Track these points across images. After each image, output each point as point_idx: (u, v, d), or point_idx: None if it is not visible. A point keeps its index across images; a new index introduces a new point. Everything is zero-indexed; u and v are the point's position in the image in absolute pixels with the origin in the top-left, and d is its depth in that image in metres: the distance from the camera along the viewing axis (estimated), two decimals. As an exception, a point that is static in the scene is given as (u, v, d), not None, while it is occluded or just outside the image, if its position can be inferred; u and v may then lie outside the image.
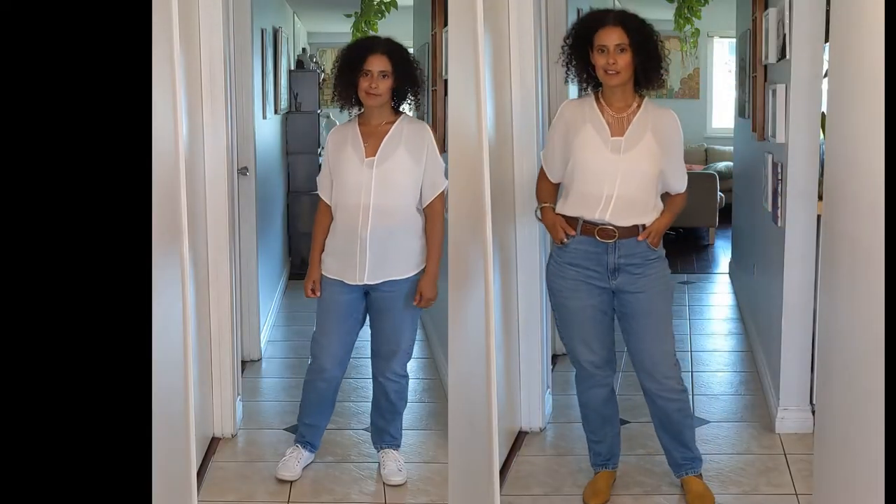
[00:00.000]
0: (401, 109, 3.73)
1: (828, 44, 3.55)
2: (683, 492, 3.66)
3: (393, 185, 3.62)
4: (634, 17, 3.39)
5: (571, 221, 3.47)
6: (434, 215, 3.68)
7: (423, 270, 3.68)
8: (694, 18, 7.11)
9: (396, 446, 3.92)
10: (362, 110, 3.71)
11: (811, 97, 4.02)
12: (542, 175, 3.61)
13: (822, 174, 3.56)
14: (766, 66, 4.91)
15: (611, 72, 3.32)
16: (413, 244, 3.67)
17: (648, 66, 3.36)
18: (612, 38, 3.31)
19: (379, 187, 3.60)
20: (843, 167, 2.69)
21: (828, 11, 3.77)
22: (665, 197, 3.52)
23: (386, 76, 3.59)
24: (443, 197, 3.66)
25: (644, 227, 3.43)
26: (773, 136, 4.41)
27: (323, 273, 3.75)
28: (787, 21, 4.10)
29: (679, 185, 3.50)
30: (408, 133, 3.66)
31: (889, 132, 2.24)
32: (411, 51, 6.07)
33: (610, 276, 3.45)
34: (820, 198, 3.87)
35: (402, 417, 3.93)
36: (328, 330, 3.76)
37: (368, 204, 3.59)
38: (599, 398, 3.63)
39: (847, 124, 2.65)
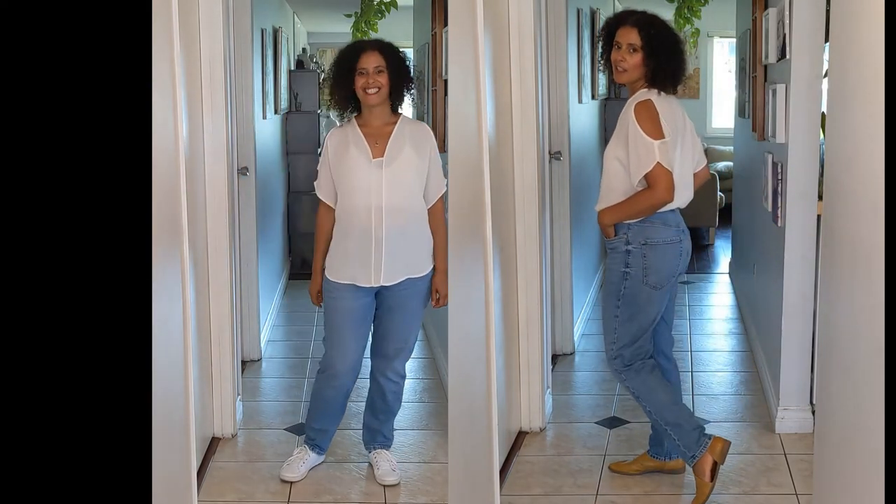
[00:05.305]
0: (399, 111, 3.74)
1: (828, 44, 3.56)
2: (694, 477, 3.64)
3: (403, 185, 3.61)
4: (657, 22, 3.50)
5: None
6: (438, 215, 3.70)
7: (434, 268, 3.69)
8: (694, 18, 7.13)
9: (388, 447, 3.91)
10: (357, 114, 3.70)
11: (811, 97, 4.02)
12: None
13: (822, 174, 3.56)
14: (766, 66, 4.90)
15: (619, 69, 3.48)
16: (425, 241, 3.68)
17: (660, 69, 3.46)
18: (626, 37, 3.47)
19: (390, 187, 3.58)
20: (843, 167, 2.69)
21: (828, 11, 3.77)
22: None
23: (381, 71, 3.60)
24: (443, 198, 3.69)
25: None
26: (773, 136, 4.41)
27: (328, 277, 3.69)
28: (787, 21, 4.09)
29: (634, 178, 3.40)
30: (410, 133, 3.67)
31: (889, 132, 2.24)
32: (411, 51, 6.08)
33: None
34: (820, 198, 3.87)
35: (394, 419, 3.92)
36: (343, 338, 3.69)
37: (381, 204, 3.57)
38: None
39: (847, 124, 2.65)
